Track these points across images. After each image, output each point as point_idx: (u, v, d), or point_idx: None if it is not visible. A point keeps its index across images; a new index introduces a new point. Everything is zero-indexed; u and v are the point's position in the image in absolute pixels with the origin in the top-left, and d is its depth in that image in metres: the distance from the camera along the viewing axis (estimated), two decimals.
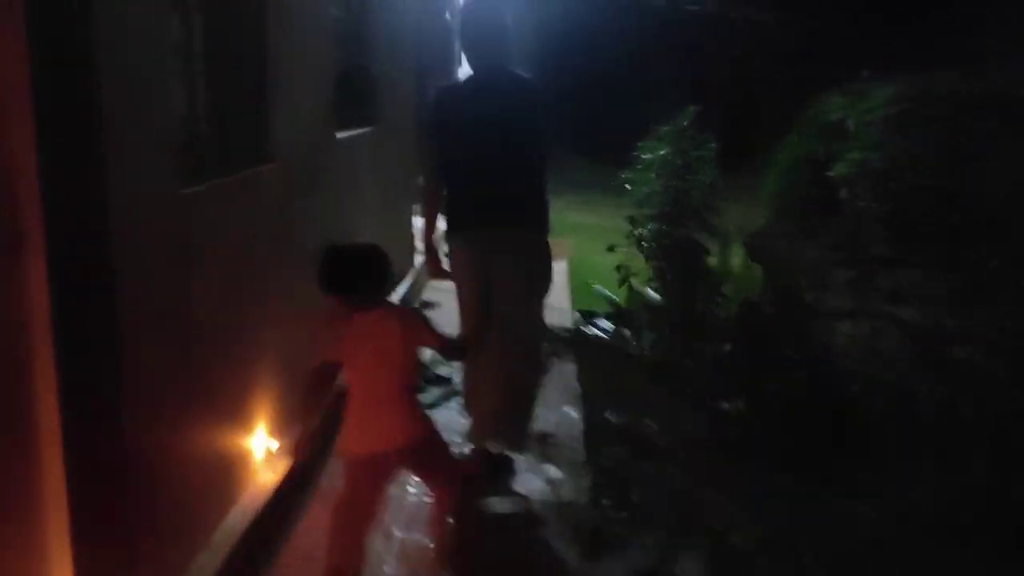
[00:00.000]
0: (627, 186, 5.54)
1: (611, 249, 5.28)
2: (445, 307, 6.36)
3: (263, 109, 3.18)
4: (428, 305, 6.40)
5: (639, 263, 5.54)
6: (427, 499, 2.99)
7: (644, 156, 5.43)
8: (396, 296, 5.85)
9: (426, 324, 2.67)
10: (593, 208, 13.56)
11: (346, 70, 4.68)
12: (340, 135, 4.38)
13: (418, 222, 3.97)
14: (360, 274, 2.46)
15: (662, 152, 5.01)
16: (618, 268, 5.25)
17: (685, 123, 5.22)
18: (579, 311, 5.72)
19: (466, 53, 3.48)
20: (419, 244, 6.74)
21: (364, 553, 2.54)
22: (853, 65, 12.96)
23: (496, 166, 3.28)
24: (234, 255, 2.82)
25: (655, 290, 5.02)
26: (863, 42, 13.79)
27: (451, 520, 2.80)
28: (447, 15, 9.38)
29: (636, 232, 5.45)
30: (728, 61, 16.56)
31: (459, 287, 3.46)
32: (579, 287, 6.34)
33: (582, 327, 5.32)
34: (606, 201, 14.38)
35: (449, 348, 2.78)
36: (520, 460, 3.53)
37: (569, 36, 16.54)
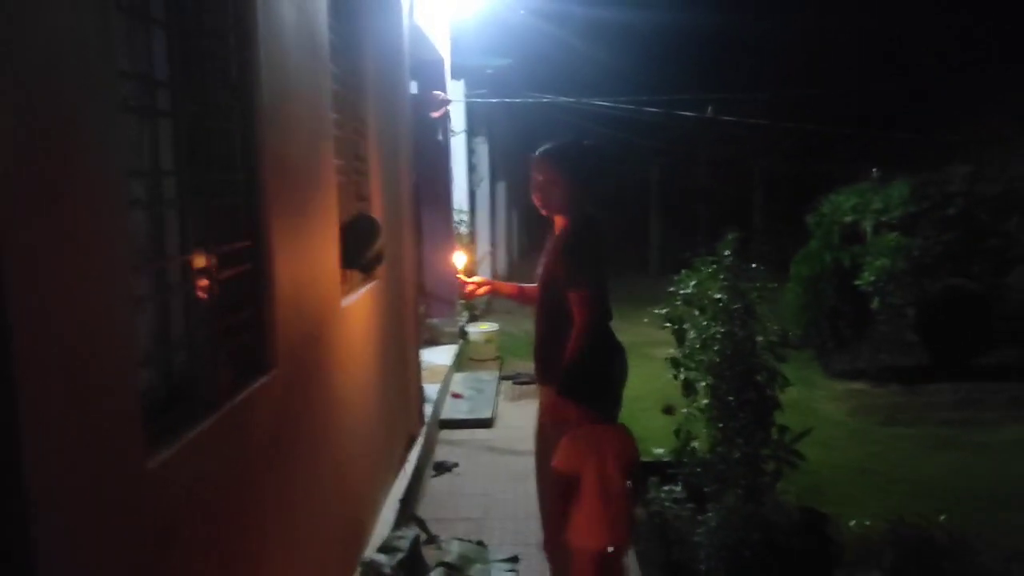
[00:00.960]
0: (668, 326, 4.84)
1: (670, 412, 4.55)
2: (464, 467, 5.60)
3: (262, 313, 2.49)
4: (444, 466, 5.63)
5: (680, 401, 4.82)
6: None
7: (684, 290, 4.76)
8: (410, 462, 5.09)
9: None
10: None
11: (350, 222, 4.03)
12: (345, 302, 3.69)
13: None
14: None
15: (717, 296, 4.31)
16: (677, 433, 4.49)
17: (727, 252, 4.55)
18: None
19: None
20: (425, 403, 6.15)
21: None
22: (853, 163, 12.72)
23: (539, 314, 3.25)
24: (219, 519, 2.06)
25: (720, 456, 4.23)
26: (860, 141, 13.62)
27: None
28: (439, 136, 8.93)
29: (681, 377, 4.73)
30: (724, 164, 16.46)
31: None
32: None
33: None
34: (626, 312, 13.91)
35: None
36: None
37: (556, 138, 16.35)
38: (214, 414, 2.07)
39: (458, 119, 10.51)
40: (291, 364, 2.72)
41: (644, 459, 5.74)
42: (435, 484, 5.31)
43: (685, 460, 4.49)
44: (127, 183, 1.73)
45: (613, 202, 19.40)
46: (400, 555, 3.81)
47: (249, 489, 2.32)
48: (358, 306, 3.91)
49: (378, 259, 4.20)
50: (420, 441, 5.53)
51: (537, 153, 3.25)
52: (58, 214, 1.39)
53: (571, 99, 10.28)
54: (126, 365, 1.62)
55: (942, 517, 3.00)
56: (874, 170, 10.62)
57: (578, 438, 2.95)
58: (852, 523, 3.20)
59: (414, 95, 8.08)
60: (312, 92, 3.18)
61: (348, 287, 3.87)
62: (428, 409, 6.19)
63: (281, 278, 2.64)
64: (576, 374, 2.96)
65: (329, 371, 3.35)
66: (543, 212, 3.23)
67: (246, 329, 2.50)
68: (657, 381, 7.95)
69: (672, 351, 4.92)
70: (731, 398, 4.17)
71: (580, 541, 2.98)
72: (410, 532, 4.08)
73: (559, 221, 3.20)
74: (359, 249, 4.08)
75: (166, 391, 1.99)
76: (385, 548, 3.87)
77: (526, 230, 20.93)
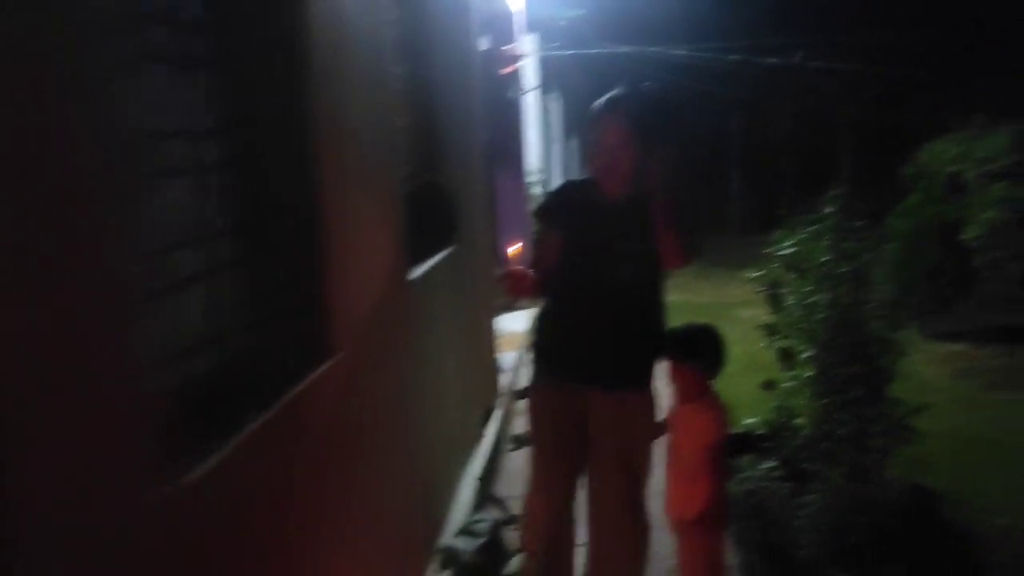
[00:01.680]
0: (758, 288, 4.46)
1: (769, 387, 4.19)
2: None
3: (319, 293, 2.24)
4: (522, 440, 5.40)
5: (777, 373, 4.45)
6: None
7: (781, 252, 4.35)
8: (487, 437, 4.88)
9: None
10: (673, 278, 12.46)
11: (418, 189, 3.77)
12: (412, 274, 3.45)
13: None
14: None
15: (823, 259, 3.90)
16: (778, 408, 4.13)
17: (832, 209, 4.11)
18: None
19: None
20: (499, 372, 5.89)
21: None
22: (946, 110, 11.82)
23: (611, 297, 2.67)
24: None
25: (826, 432, 3.86)
26: (954, 87, 12.65)
27: None
28: (511, 93, 8.58)
29: (776, 344, 4.35)
30: (809, 114, 15.59)
31: (534, 439, 2.92)
32: None
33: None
34: (685, 270, 13.37)
35: None
36: None
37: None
38: (271, 409, 1.84)
39: (531, 74, 10.11)
40: (356, 346, 2.49)
41: (733, 431, 5.44)
42: (514, 459, 5.09)
43: (785, 435, 4.14)
44: (152, 144, 1.49)
45: (689, 155, 18.74)
46: (480, 540, 3.60)
47: (313, 483, 2.11)
48: (428, 278, 3.66)
49: (448, 226, 3.94)
50: (497, 414, 5.31)
51: (607, 105, 2.64)
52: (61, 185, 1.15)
53: (649, 48, 9.76)
54: (139, 362, 1.37)
55: None
56: (975, 117, 9.80)
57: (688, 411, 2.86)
58: (1002, 521, 2.80)
59: (484, 50, 7.75)
60: (371, 42, 2.89)
61: (416, 257, 3.61)
62: (504, 379, 5.96)
63: (340, 252, 2.40)
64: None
65: (397, 350, 3.11)
66: (610, 179, 2.63)
67: (306, 312, 2.27)
68: (744, 345, 7.55)
69: (764, 316, 4.54)
70: (838, 371, 3.78)
71: (679, 513, 2.92)
72: (490, 515, 3.86)
73: (623, 184, 2.62)
74: (427, 216, 3.82)
75: (215, 383, 1.77)
76: (464, 532, 3.67)
77: None
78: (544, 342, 2.86)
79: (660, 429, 3.00)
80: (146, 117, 1.51)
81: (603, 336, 2.70)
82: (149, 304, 1.46)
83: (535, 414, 2.91)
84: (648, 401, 2.79)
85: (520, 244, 2.83)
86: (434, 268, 3.82)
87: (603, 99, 2.65)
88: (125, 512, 1.24)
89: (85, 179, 1.20)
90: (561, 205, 2.81)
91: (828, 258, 3.85)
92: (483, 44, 7.71)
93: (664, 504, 3.01)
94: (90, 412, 1.18)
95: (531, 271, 2.72)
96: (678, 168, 2.52)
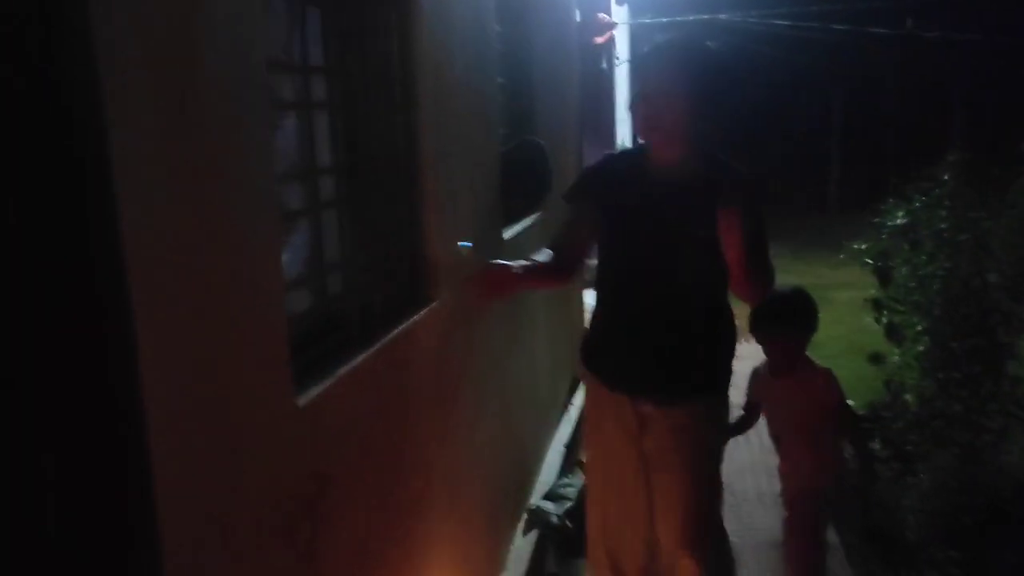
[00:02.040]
0: (867, 261, 4.24)
1: (877, 360, 4.00)
2: None
3: (417, 241, 2.22)
4: None
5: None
6: None
7: (892, 223, 4.12)
8: (574, 406, 4.83)
9: None
10: (787, 261, 12.11)
11: (513, 148, 3.72)
12: (507, 233, 3.41)
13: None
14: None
15: (942, 226, 3.67)
16: (887, 384, 3.93)
17: (947, 177, 3.87)
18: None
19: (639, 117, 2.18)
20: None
21: None
22: None
23: (666, 294, 2.17)
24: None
25: (938, 410, 3.64)
26: None
27: None
28: (603, 63, 8.44)
29: (885, 321, 4.14)
30: (916, 89, 14.80)
31: (589, 448, 2.48)
32: None
33: None
34: (780, 251, 12.97)
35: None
36: None
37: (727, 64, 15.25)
38: (370, 348, 1.83)
39: (623, 47, 9.92)
40: (451, 298, 2.47)
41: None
42: None
43: (888, 415, 3.94)
44: (267, 78, 1.48)
45: (788, 131, 18.12)
46: (568, 504, 3.56)
47: (409, 429, 2.10)
48: (521, 239, 3.62)
49: (544, 188, 3.88)
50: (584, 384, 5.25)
51: (652, 51, 2.20)
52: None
53: (745, 18, 9.43)
54: (274, 292, 1.39)
55: None
56: None
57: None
58: None
59: (578, 19, 7.63)
60: None
61: (510, 217, 3.58)
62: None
63: (439, 203, 2.38)
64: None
65: (491, 308, 3.09)
66: (661, 143, 2.17)
67: (403, 257, 2.26)
68: (841, 326, 7.24)
69: (865, 295, 4.33)
70: (954, 345, 3.56)
71: (814, 482, 2.82)
72: (577, 480, 3.82)
73: (679, 150, 2.16)
74: (523, 177, 3.78)
75: (318, 321, 1.77)
76: (551, 496, 3.64)
77: None
78: (592, 346, 2.39)
79: (736, 429, 2.91)
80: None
81: (656, 341, 2.22)
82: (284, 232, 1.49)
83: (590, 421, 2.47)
84: (712, 408, 2.30)
85: (470, 243, 2.24)
86: (527, 230, 3.77)
87: (650, 46, 2.24)
88: (257, 422, 1.34)
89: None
90: (601, 182, 2.29)
91: (946, 226, 3.63)
92: (577, 12, 7.60)
93: (784, 479, 2.96)
94: (235, 330, 1.21)
95: (514, 267, 2.09)
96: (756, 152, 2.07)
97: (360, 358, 1.76)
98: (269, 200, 1.39)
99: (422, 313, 2.20)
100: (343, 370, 1.66)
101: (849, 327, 6.13)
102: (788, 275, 11.85)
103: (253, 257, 1.33)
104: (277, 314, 1.40)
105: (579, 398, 5.02)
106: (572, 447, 4.35)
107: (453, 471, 2.49)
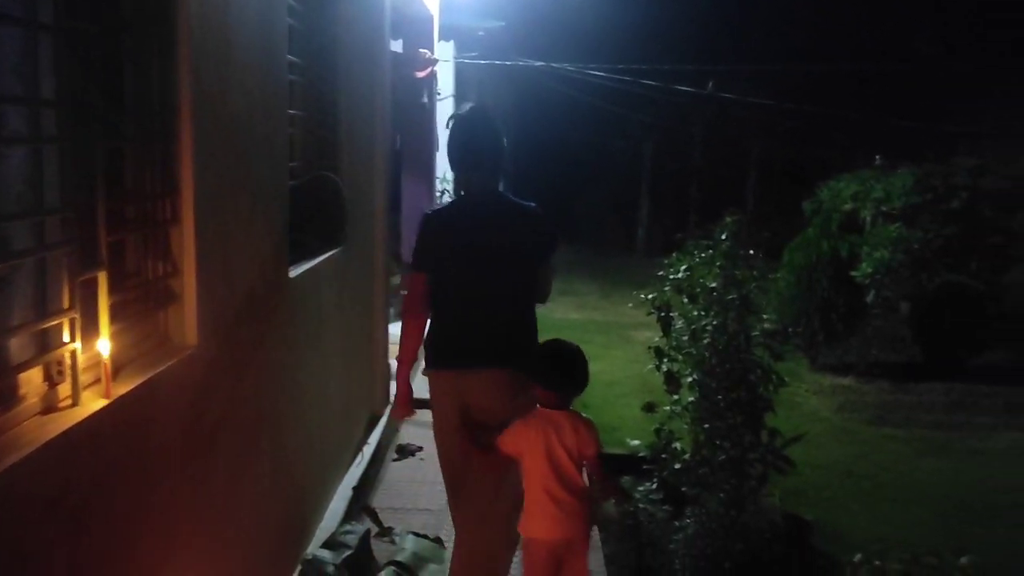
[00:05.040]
0: (653, 313, 4.45)
1: (651, 410, 4.18)
2: (428, 451, 5.23)
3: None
4: (407, 450, 5.26)
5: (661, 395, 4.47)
6: None
7: (673, 276, 4.36)
8: (370, 445, 4.73)
9: (597, 438, 2.77)
10: (578, 297, 12.55)
11: (305, 183, 3.61)
12: (295, 272, 3.29)
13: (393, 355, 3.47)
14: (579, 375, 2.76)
15: (711, 285, 3.92)
16: (658, 431, 4.12)
17: (724, 236, 4.15)
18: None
19: (458, 172, 3.09)
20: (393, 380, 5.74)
21: None
22: (852, 150, 12.34)
23: (489, 298, 2.96)
24: None
25: (703, 458, 3.86)
26: (860, 128, 13.20)
27: None
28: (424, 99, 8.46)
29: (664, 369, 4.36)
30: (720, 144, 15.95)
31: (438, 431, 3.09)
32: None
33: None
34: (590, 288, 13.51)
35: (606, 479, 2.84)
36: None
37: (548, 106, 15.81)
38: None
39: (446, 83, 10.02)
40: (217, 341, 2.32)
41: (618, 451, 5.42)
42: (395, 469, 4.95)
43: (665, 458, 4.13)
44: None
45: (601, 176, 18.97)
46: (347, 552, 3.44)
47: (147, 491, 1.94)
48: (311, 276, 3.50)
49: (337, 223, 3.79)
50: (383, 422, 5.16)
51: (448, 122, 3.09)
52: None
53: (564, 66, 9.80)
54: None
55: (963, 559, 2.65)
56: (877, 157, 10.24)
57: (530, 421, 2.74)
58: (857, 557, 2.84)
59: (398, 53, 7.62)
60: (261, 31, 2.74)
61: (300, 255, 3.46)
62: (395, 387, 5.81)
63: (206, 246, 2.24)
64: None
65: (271, 349, 2.95)
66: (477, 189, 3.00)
67: (159, 304, 2.10)
68: (636, 366, 7.58)
69: (656, 338, 4.55)
70: (719, 397, 3.79)
71: (529, 532, 2.78)
72: (360, 526, 3.71)
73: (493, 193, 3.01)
74: (315, 212, 3.67)
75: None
76: (331, 544, 3.50)
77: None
78: (435, 346, 3.06)
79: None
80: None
81: (486, 331, 2.96)
82: None
83: None
84: (520, 371, 2.89)
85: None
86: (319, 267, 3.66)
87: (452, 118, 3.08)
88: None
89: None
90: (433, 236, 2.99)
91: (716, 284, 3.88)
92: (397, 46, 7.59)
93: (535, 528, 2.79)
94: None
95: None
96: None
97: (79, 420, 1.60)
98: None
99: (171, 363, 2.04)
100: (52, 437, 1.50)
101: (642, 367, 6.45)
102: (595, 312, 12.33)
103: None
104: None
105: (375, 436, 4.93)
106: (361, 489, 4.24)
107: (207, 530, 2.33)
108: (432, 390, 3.05)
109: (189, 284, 2.19)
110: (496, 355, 2.90)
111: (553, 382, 2.71)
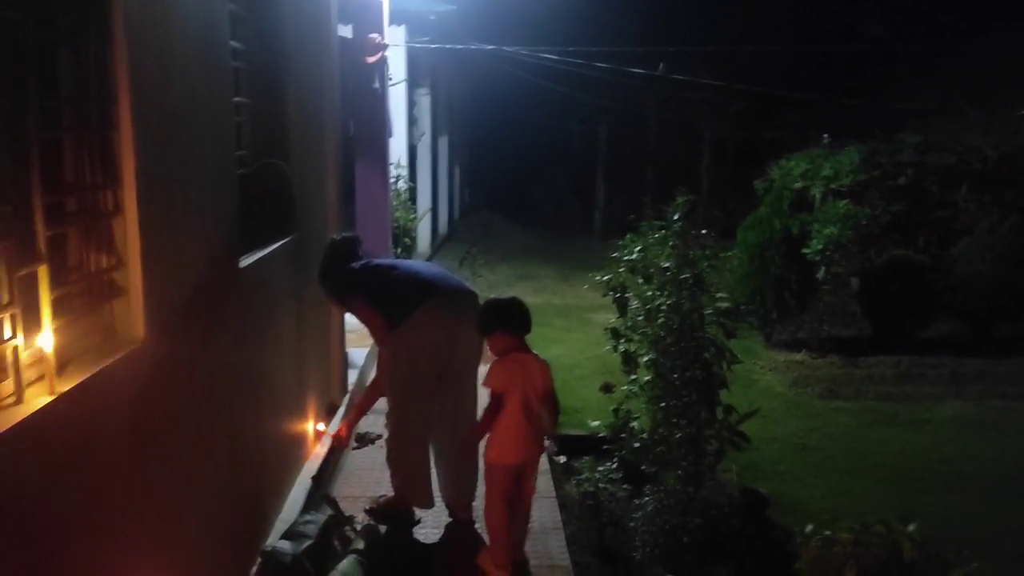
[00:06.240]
0: (609, 294, 4.48)
1: (608, 390, 4.21)
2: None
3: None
4: (366, 438, 5.24)
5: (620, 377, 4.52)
6: None
7: (628, 257, 4.39)
8: (331, 427, 4.71)
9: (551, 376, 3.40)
10: (537, 281, 12.58)
11: (254, 171, 3.56)
12: (245, 261, 3.24)
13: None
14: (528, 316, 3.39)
15: (664, 264, 3.95)
16: (616, 411, 4.15)
17: (677, 216, 4.18)
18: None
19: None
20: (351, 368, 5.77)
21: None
22: (802, 129, 12.51)
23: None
24: None
25: (660, 437, 3.91)
26: (809, 108, 13.39)
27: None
28: (376, 84, 8.36)
29: (621, 349, 4.39)
30: (673, 126, 16.07)
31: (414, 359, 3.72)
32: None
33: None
34: (548, 272, 13.54)
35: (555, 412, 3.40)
36: None
37: (503, 91, 15.75)
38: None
39: (398, 68, 9.92)
40: (166, 333, 2.29)
41: (578, 432, 5.48)
42: (355, 457, 4.93)
43: (623, 437, 4.18)
44: None
45: (558, 159, 19.01)
46: (307, 542, 3.43)
47: (93, 490, 1.90)
48: (261, 266, 3.46)
49: (286, 211, 3.75)
50: (341, 411, 5.13)
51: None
52: None
53: (518, 50, 9.77)
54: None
55: (911, 527, 2.73)
56: (825, 136, 10.40)
57: (507, 363, 3.30)
58: (808, 528, 2.91)
59: (347, 38, 7.52)
60: (201, 7, 2.68)
61: (250, 244, 3.41)
62: (353, 375, 5.78)
63: (151, 234, 2.20)
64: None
65: (222, 339, 2.91)
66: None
67: (104, 295, 2.06)
68: (595, 348, 7.62)
69: (613, 319, 4.58)
70: (675, 375, 3.84)
71: (499, 458, 3.33)
72: (320, 516, 3.69)
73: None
74: (265, 200, 3.62)
75: None
76: (290, 535, 3.48)
77: (468, 187, 20.40)
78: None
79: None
80: None
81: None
82: None
83: None
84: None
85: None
86: (271, 256, 3.62)
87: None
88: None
89: None
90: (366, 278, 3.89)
91: (669, 264, 3.92)
92: (346, 31, 7.49)
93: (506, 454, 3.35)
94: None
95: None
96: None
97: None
98: None
99: (118, 357, 2.01)
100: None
101: (601, 349, 6.49)
102: (554, 296, 12.27)
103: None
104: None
105: (334, 425, 4.90)
106: (320, 478, 4.21)
107: (162, 526, 2.30)
108: (420, 326, 3.64)
109: (135, 276, 2.15)
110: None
111: (514, 325, 3.31)
